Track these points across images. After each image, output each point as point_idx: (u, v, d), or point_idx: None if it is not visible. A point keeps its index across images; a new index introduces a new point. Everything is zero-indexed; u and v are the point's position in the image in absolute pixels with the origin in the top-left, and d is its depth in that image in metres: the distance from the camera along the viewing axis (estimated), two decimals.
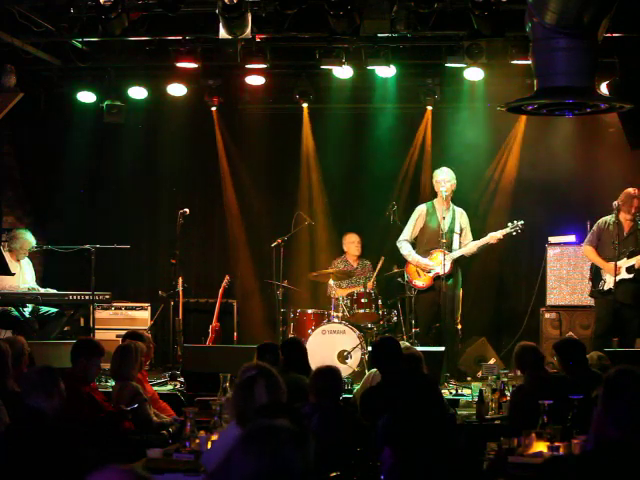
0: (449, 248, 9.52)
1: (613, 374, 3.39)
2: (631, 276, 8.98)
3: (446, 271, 9.34)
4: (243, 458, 2.55)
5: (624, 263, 8.96)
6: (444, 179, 9.53)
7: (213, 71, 10.32)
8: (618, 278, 8.93)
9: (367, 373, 7.59)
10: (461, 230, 9.66)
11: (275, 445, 2.56)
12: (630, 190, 9.15)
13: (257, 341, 7.57)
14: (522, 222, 9.47)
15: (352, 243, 10.57)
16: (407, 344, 7.68)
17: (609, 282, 9.03)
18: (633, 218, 9.13)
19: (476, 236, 9.73)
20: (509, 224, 9.53)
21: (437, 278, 9.49)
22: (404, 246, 9.73)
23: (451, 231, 9.59)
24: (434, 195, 9.77)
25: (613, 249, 8.98)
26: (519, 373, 6.89)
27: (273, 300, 10.31)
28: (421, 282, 9.66)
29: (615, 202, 9.16)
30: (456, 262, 9.58)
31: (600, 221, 9.29)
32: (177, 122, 11.16)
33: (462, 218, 9.70)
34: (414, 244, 9.77)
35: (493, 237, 9.51)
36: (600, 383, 3.47)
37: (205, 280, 11.37)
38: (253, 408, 4.13)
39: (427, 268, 9.59)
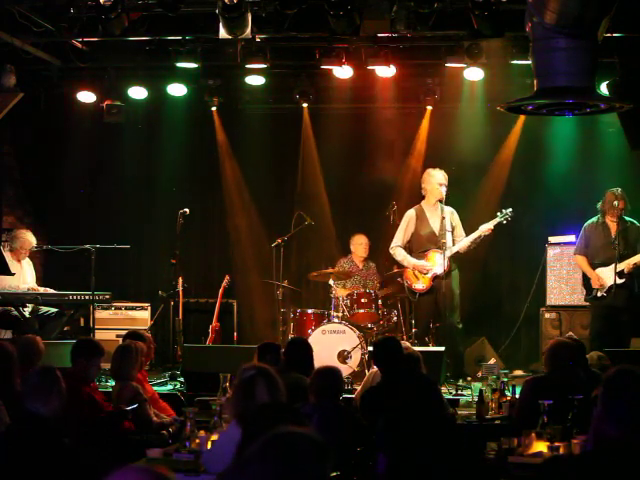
0: (444, 247, 9.53)
1: (613, 374, 3.38)
2: (623, 281, 8.99)
3: (443, 270, 9.34)
4: (261, 465, 2.53)
5: (614, 269, 8.94)
6: (444, 182, 9.51)
7: (213, 71, 10.33)
8: (611, 284, 8.95)
9: (367, 373, 7.59)
10: (453, 228, 9.66)
11: (295, 452, 2.54)
12: (613, 190, 9.13)
13: (257, 341, 7.58)
14: (511, 209, 9.45)
15: (360, 245, 10.55)
16: (407, 344, 7.67)
17: (601, 290, 9.06)
18: (618, 220, 9.10)
19: None
20: (498, 213, 9.51)
21: (435, 278, 9.49)
22: (398, 252, 9.73)
23: (444, 231, 9.58)
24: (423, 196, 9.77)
25: (605, 252, 9.01)
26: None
27: (273, 300, 10.31)
28: (421, 285, 9.64)
29: (599, 204, 9.17)
30: (452, 260, 9.57)
31: (586, 225, 9.30)
32: (177, 122, 11.17)
33: (452, 216, 9.69)
34: (407, 249, 9.76)
35: (483, 229, 9.48)
36: (600, 383, 3.46)
37: (205, 280, 11.38)
38: (253, 408, 4.13)
39: (424, 270, 9.58)
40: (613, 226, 9.12)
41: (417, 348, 7.94)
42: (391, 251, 9.76)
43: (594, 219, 9.25)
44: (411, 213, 9.77)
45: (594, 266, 9.17)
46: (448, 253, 9.42)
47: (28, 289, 9.61)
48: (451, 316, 9.43)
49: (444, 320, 9.39)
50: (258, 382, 4.35)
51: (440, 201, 9.53)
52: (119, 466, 2.57)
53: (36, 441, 4.44)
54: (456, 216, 9.72)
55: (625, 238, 9.11)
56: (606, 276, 9.03)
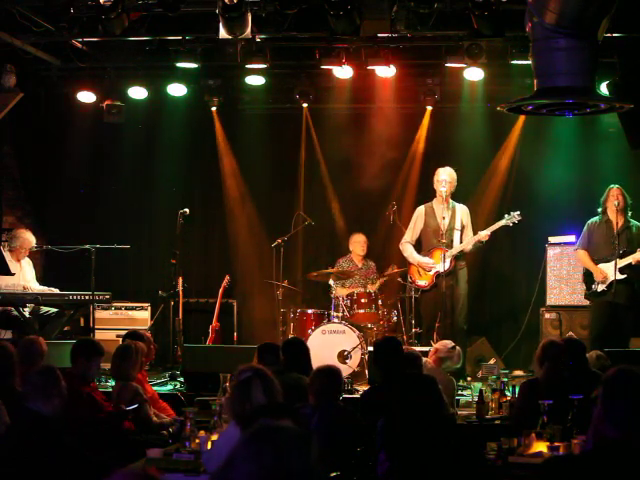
0: (449, 246, 9.52)
1: (612, 374, 3.38)
2: (624, 276, 8.99)
3: (446, 269, 9.33)
4: (246, 459, 2.55)
5: (617, 264, 8.94)
6: (445, 179, 9.52)
7: (213, 71, 10.33)
8: (612, 279, 8.95)
9: None
10: (462, 227, 9.65)
11: (278, 446, 2.55)
12: (613, 187, 9.14)
13: (257, 341, 7.58)
14: (519, 212, 9.43)
15: (358, 243, 10.56)
16: (447, 342, 7.61)
17: (602, 284, 9.06)
18: (622, 215, 9.10)
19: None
20: (505, 215, 9.50)
21: (439, 276, 9.49)
22: (405, 248, 9.75)
23: (451, 229, 9.56)
24: (434, 194, 9.76)
25: (606, 249, 9.01)
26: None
27: (273, 300, 10.32)
28: (423, 281, 9.66)
29: (601, 200, 9.18)
30: (459, 259, 9.56)
31: (589, 222, 9.30)
32: (177, 122, 11.17)
33: (463, 215, 9.68)
34: (418, 245, 9.78)
35: (481, 235, 9.46)
36: (600, 383, 3.46)
37: (205, 280, 11.37)
38: (250, 409, 4.14)
39: (427, 267, 9.58)
40: (617, 222, 9.11)
41: (417, 348, 7.93)
42: (400, 247, 9.80)
43: (597, 217, 9.24)
44: (420, 210, 9.79)
45: (595, 262, 9.17)
46: (451, 252, 9.43)
47: (24, 287, 9.59)
48: (456, 316, 9.42)
49: (449, 318, 9.38)
50: (254, 383, 4.36)
51: (449, 198, 9.53)
52: (119, 466, 2.58)
53: (37, 439, 4.45)
54: (468, 216, 9.71)
55: (627, 236, 9.11)
56: (608, 272, 9.02)
